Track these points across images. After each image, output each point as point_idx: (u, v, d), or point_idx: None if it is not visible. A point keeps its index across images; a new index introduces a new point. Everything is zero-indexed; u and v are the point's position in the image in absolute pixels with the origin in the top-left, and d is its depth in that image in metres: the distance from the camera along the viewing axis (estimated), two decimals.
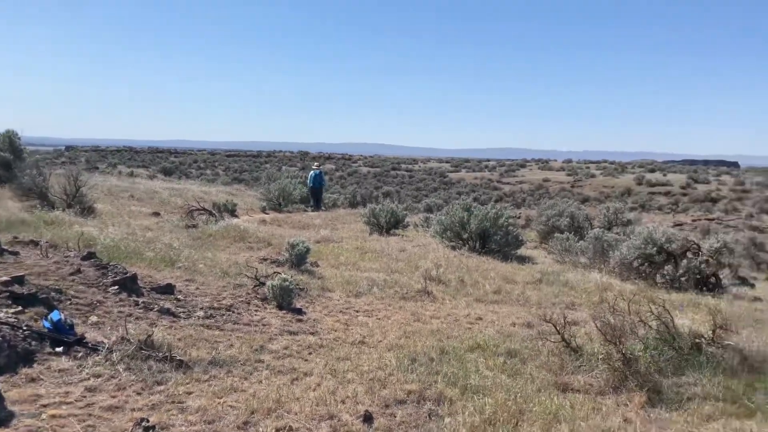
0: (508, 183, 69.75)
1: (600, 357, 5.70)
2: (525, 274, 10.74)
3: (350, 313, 7.41)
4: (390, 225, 15.80)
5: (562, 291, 9.53)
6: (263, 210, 19.83)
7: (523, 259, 13.24)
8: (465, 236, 13.39)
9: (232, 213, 16.32)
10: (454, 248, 13.13)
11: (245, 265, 8.79)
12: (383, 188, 50.05)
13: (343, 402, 4.63)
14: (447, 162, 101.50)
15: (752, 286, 12.88)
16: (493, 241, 13.25)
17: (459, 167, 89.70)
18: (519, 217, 31.27)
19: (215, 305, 6.80)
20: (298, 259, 9.33)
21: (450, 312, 7.86)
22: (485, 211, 13.54)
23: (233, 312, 6.71)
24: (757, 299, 10.07)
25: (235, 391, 4.63)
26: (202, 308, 6.60)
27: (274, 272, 8.18)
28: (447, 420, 4.41)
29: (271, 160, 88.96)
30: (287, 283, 7.24)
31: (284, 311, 7.05)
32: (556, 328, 6.19)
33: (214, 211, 14.98)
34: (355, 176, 69.46)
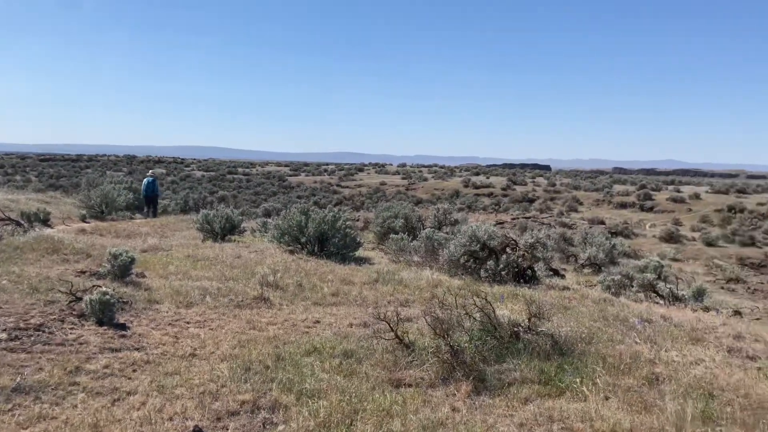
0: (347, 186, 71.04)
1: (430, 351, 5.96)
2: (362, 275, 10.93)
3: (180, 325, 7.01)
4: (225, 231, 15.26)
5: (397, 289, 9.83)
6: (83, 219, 18.18)
7: (360, 261, 13.49)
8: (303, 240, 13.33)
9: (45, 222, 14.75)
10: (292, 252, 13.02)
11: (59, 280, 7.97)
12: (219, 193, 48.39)
13: (170, 419, 4.36)
14: (286, 166, 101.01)
15: (563, 276, 14.32)
16: (332, 244, 13.35)
17: (298, 171, 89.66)
18: (358, 220, 31.94)
19: (21, 325, 6.07)
20: (122, 270, 8.65)
21: (287, 317, 7.76)
22: (323, 215, 13.60)
23: (44, 332, 6.04)
24: (566, 288, 11.17)
25: (44, 420, 4.17)
26: (5, 330, 5.87)
27: (94, 286, 7.51)
28: (281, 427, 4.34)
29: (93, 164, 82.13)
30: (108, 296, 6.67)
31: (105, 327, 6.49)
32: (390, 326, 6.37)
33: (22, 221, 13.43)
34: (188, 181, 66.40)
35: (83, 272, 9.03)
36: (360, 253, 14.55)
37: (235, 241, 14.94)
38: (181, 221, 18.95)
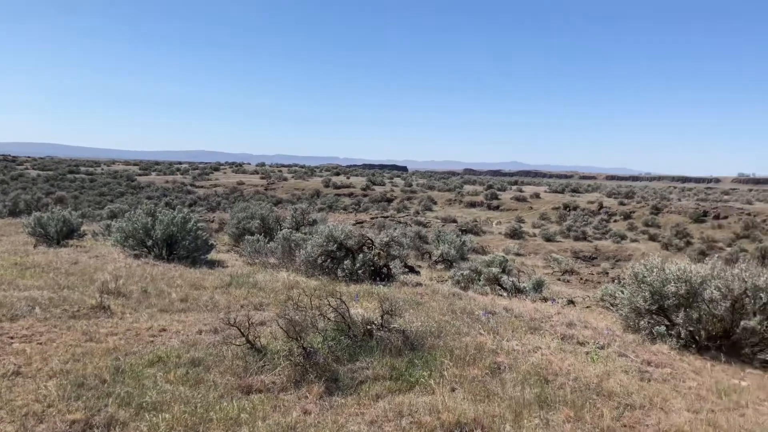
0: (202, 186, 68.38)
1: (283, 354, 5.84)
2: (214, 278, 10.52)
3: (2, 341, 6.26)
4: (62, 235, 13.99)
5: (251, 293, 9.57)
6: None
7: (213, 264, 12.98)
8: (150, 243, 12.56)
9: None
10: (137, 257, 12.22)
11: None
12: (56, 193, 44.35)
13: None
14: (135, 164, 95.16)
15: (418, 273, 14.78)
16: (182, 247, 12.71)
17: (149, 170, 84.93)
18: (212, 221, 30.80)
19: None
20: None
21: (130, 327, 7.23)
22: (172, 216, 12.91)
23: None
24: (419, 285, 11.52)
25: None
26: None
27: None
28: None
29: None
30: None
31: None
32: (240, 331, 6.16)
33: None
34: (20, 180, 60.16)
35: None
36: (213, 255, 14.02)
37: (73, 245, 13.75)
38: (9, 225, 17.11)
